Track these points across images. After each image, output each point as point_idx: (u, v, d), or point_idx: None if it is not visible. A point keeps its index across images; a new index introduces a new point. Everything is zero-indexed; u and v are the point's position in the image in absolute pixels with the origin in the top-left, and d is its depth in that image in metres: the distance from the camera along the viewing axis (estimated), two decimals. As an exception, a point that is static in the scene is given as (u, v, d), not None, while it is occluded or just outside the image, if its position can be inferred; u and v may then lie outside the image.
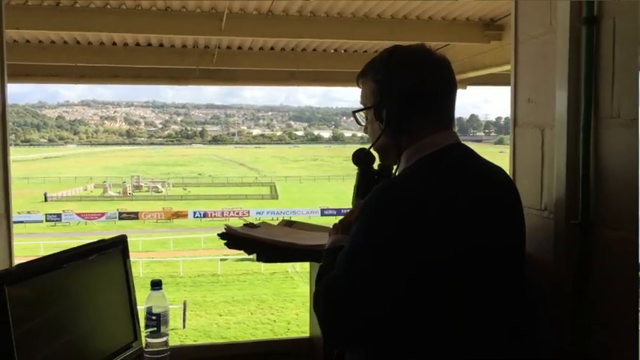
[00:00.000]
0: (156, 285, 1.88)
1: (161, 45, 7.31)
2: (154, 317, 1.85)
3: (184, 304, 18.64)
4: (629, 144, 1.43)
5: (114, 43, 7.17)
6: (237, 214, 44.18)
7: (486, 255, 1.37)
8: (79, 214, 43.28)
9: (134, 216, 43.51)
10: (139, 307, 1.88)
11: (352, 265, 1.34)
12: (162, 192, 61.15)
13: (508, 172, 1.97)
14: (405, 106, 1.44)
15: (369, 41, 6.82)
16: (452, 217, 1.34)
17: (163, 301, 1.88)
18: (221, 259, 27.54)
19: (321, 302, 1.38)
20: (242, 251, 1.87)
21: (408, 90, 1.44)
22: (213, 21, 5.73)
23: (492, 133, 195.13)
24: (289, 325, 19.02)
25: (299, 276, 25.24)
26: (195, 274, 25.06)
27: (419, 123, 1.45)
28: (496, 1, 5.68)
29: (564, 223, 1.63)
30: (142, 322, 1.87)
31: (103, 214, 43.79)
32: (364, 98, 1.54)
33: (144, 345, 1.85)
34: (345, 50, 7.69)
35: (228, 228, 1.88)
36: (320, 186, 67.06)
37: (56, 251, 1.58)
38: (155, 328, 1.85)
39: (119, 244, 1.75)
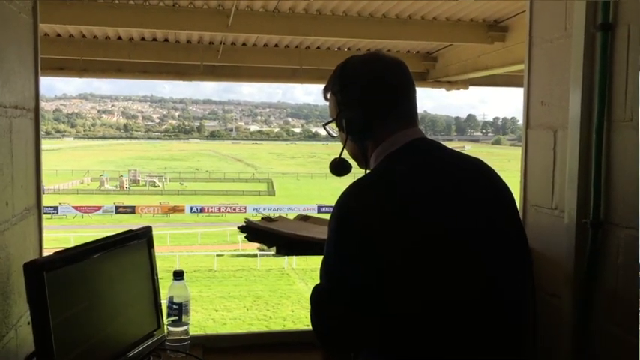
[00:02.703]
0: (178, 275, 1.94)
1: (166, 40, 7.37)
2: (175, 306, 1.91)
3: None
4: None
5: (119, 38, 7.22)
6: (234, 209, 44.22)
7: (455, 244, 1.34)
8: (75, 208, 43.22)
9: (131, 210, 43.45)
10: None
11: (327, 273, 1.39)
12: (159, 186, 61.13)
13: (520, 172, 2.04)
14: (362, 112, 1.49)
15: (373, 40, 6.89)
16: (413, 210, 1.34)
17: (185, 291, 1.93)
18: (217, 255, 27.58)
19: (311, 312, 1.43)
20: (262, 244, 1.92)
21: (362, 97, 1.50)
22: (220, 18, 5.80)
23: (490, 134, 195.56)
24: (285, 321, 19.06)
25: (295, 272, 25.29)
26: (191, 269, 25.03)
27: (379, 126, 1.49)
28: (500, 3, 5.75)
29: (576, 222, 1.69)
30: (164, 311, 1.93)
31: (99, 208, 43.76)
32: (330, 111, 1.60)
33: (166, 333, 1.91)
34: (348, 49, 7.75)
35: (248, 221, 1.94)
36: (317, 183, 67.06)
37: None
38: (177, 317, 1.91)
39: (145, 235, 1.80)
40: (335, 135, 1.62)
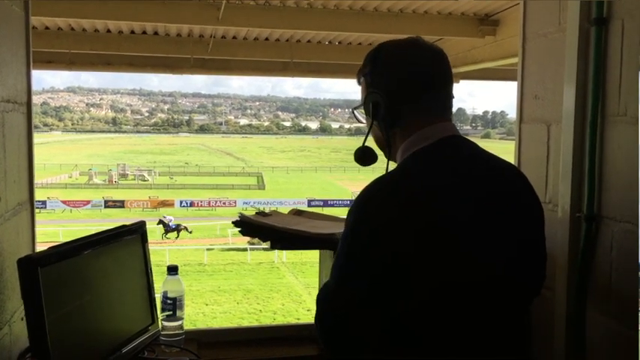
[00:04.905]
0: (172, 270, 1.93)
1: (156, 33, 7.29)
2: (169, 301, 1.91)
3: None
4: (634, 141, 1.50)
5: (108, 31, 7.15)
6: (224, 203, 44.14)
7: (466, 257, 1.28)
8: (64, 202, 42.95)
9: (120, 204, 43.22)
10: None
11: (337, 272, 1.33)
12: (148, 180, 60.82)
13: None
14: (393, 100, 1.40)
15: (364, 34, 6.87)
16: (436, 216, 1.26)
17: (179, 286, 1.93)
18: (207, 249, 27.53)
19: (316, 309, 1.37)
20: (257, 238, 1.92)
21: (393, 83, 1.41)
22: (210, 10, 5.75)
23: (479, 127, 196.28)
24: (275, 314, 19.07)
25: (285, 266, 25.31)
26: (181, 264, 24.74)
27: (409, 116, 1.40)
28: (491, -3, 5.76)
29: (570, 215, 1.70)
30: (159, 306, 1.92)
31: (88, 202, 43.50)
32: (361, 95, 1.51)
33: (160, 328, 1.90)
34: (339, 42, 7.72)
35: (242, 216, 1.94)
36: (307, 177, 67.04)
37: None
38: (171, 312, 1.91)
39: (139, 231, 1.79)
40: (363, 122, 1.51)
